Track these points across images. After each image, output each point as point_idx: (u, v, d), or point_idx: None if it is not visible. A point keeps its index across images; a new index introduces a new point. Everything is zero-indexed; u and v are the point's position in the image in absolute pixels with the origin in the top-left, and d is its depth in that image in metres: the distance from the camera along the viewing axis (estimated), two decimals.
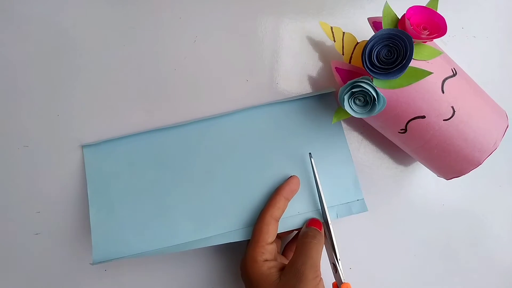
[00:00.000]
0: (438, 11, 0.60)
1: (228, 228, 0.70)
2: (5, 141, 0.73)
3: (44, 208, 0.72)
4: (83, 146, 0.72)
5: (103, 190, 0.71)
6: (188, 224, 0.70)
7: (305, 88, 0.78)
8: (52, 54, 0.74)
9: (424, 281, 0.79)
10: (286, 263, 0.63)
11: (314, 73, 0.78)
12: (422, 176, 0.80)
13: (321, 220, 0.70)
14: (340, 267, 0.66)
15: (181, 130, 0.73)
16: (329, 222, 0.68)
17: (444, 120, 0.61)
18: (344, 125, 0.77)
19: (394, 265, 0.79)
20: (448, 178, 0.69)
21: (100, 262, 0.67)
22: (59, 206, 0.73)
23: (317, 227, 0.68)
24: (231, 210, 0.71)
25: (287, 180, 0.70)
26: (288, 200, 0.69)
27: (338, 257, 0.67)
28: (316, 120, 0.75)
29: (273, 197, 0.68)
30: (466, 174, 0.65)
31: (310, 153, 0.71)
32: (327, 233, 0.69)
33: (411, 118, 0.62)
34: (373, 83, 0.61)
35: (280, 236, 0.73)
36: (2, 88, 0.73)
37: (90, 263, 0.66)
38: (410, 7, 0.60)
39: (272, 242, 0.64)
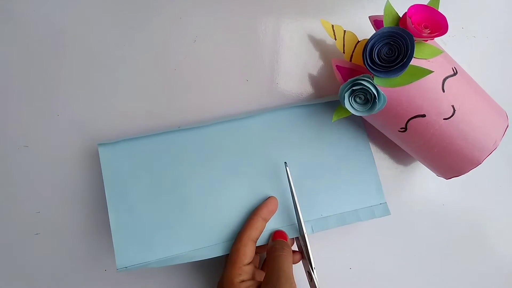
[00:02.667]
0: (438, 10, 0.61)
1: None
2: (5, 141, 0.72)
3: (44, 208, 0.72)
4: (99, 145, 0.69)
5: (122, 192, 0.69)
6: (213, 226, 0.70)
7: (306, 88, 0.78)
8: (52, 54, 0.74)
9: (424, 281, 0.79)
10: None
11: (314, 73, 0.78)
12: (422, 176, 0.80)
13: (299, 233, 0.70)
14: (315, 276, 0.66)
15: (197, 132, 0.72)
16: (305, 233, 0.68)
17: (444, 119, 0.61)
18: (344, 124, 0.76)
19: (394, 265, 0.79)
20: (447, 177, 0.69)
21: (124, 268, 0.65)
22: (59, 206, 0.72)
23: (282, 238, 0.68)
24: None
25: (266, 200, 0.70)
26: (266, 221, 0.68)
27: (313, 266, 0.67)
28: (336, 123, 0.75)
29: (251, 218, 0.68)
30: (465, 174, 0.65)
31: (285, 162, 0.70)
32: (302, 244, 0.69)
33: (412, 116, 0.62)
34: (374, 81, 0.61)
35: (257, 252, 0.72)
36: (2, 88, 0.73)
37: (116, 269, 0.65)
38: (411, 6, 0.60)
39: (249, 263, 0.64)
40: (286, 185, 0.71)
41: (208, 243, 0.68)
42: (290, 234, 0.70)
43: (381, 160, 0.79)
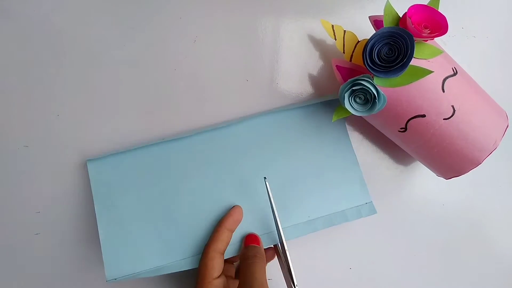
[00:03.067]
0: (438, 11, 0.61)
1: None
2: (5, 141, 0.72)
3: (44, 208, 0.72)
4: (88, 161, 0.71)
5: (111, 205, 0.70)
6: (201, 236, 0.70)
7: (306, 88, 0.78)
8: (52, 54, 0.74)
9: (424, 281, 0.79)
10: None
11: (314, 73, 0.78)
12: (422, 176, 0.80)
13: (279, 242, 0.69)
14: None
15: (185, 142, 0.73)
16: (285, 244, 0.67)
17: (444, 119, 0.61)
18: (326, 127, 0.76)
19: (394, 265, 0.79)
20: (447, 177, 0.69)
21: (113, 280, 0.66)
22: (59, 206, 0.72)
23: (254, 243, 0.68)
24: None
25: (230, 210, 0.69)
26: (231, 231, 0.68)
27: (295, 283, 0.65)
28: (319, 126, 0.76)
29: (216, 230, 0.67)
30: (465, 174, 0.65)
31: (265, 177, 0.70)
32: (282, 257, 0.68)
33: (412, 116, 0.62)
34: (374, 81, 0.61)
35: (232, 261, 0.72)
36: (2, 88, 0.73)
37: (106, 281, 0.66)
38: (411, 6, 0.60)
39: (219, 276, 0.63)
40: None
41: (196, 252, 0.69)
42: (270, 242, 0.71)
43: (381, 160, 0.79)
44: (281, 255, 0.68)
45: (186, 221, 0.70)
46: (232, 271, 0.71)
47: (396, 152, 0.79)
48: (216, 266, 0.63)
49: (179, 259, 0.68)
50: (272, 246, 0.71)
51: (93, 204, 0.69)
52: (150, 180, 0.71)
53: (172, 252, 0.68)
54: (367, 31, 0.70)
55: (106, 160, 0.71)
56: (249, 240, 0.68)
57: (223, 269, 0.66)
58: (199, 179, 0.72)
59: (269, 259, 0.72)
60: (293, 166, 0.74)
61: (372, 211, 0.74)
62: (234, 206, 0.70)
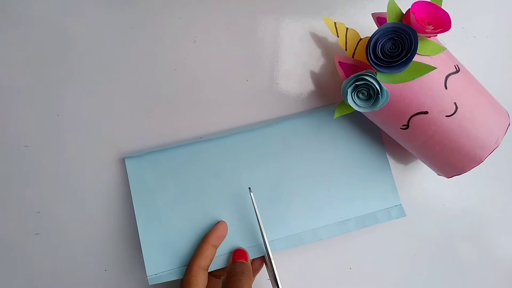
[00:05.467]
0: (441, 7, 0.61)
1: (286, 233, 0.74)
2: (5, 141, 0.72)
3: (44, 208, 0.72)
4: (125, 158, 0.72)
5: (149, 202, 0.71)
6: (241, 235, 0.72)
7: (306, 88, 0.78)
8: (52, 54, 0.74)
9: (424, 280, 0.79)
10: None
11: (315, 72, 0.78)
12: (422, 176, 0.80)
13: (266, 252, 0.70)
14: None
15: (218, 142, 0.74)
16: (271, 256, 0.68)
17: (446, 116, 0.61)
18: (359, 130, 0.77)
19: (394, 265, 0.78)
20: (449, 176, 0.69)
21: (154, 275, 0.68)
22: (59, 206, 0.72)
23: (242, 259, 0.68)
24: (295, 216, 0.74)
25: (214, 226, 0.70)
26: (216, 247, 0.68)
27: None
28: (351, 128, 0.77)
29: (200, 246, 0.68)
30: (467, 172, 0.65)
31: (249, 188, 0.71)
32: (269, 267, 0.69)
33: (414, 113, 0.62)
34: (377, 77, 0.61)
35: (220, 275, 0.72)
36: (2, 88, 0.73)
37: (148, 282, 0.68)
38: (415, 2, 0.60)
39: None
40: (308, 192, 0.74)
41: (231, 250, 0.71)
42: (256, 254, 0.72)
43: None
44: (269, 265, 0.69)
45: (221, 218, 0.72)
46: (218, 286, 0.71)
47: (396, 152, 0.79)
48: (199, 282, 0.64)
49: (216, 255, 0.70)
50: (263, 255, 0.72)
51: (93, 202, 0.71)
52: (185, 177, 0.73)
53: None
54: (368, 30, 0.70)
55: (144, 157, 0.73)
56: (237, 255, 0.69)
57: (210, 284, 0.67)
58: (233, 179, 0.74)
59: (256, 270, 0.73)
60: (325, 168, 0.76)
61: (402, 213, 0.76)
62: (218, 221, 0.71)
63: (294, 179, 0.74)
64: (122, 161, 0.73)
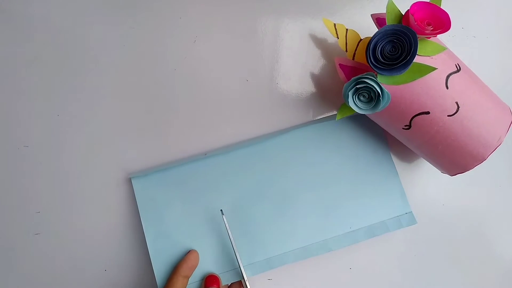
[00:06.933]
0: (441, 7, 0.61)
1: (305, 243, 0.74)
2: (5, 141, 0.72)
3: (44, 208, 0.72)
4: (132, 178, 0.72)
5: (157, 219, 0.72)
6: (250, 248, 0.72)
7: (306, 88, 0.78)
8: (52, 54, 0.74)
9: (424, 281, 0.79)
10: None
11: (314, 72, 0.78)
12: (422, 176, 0.80)
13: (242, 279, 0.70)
14: None
15: (224, 158, 0.74)
16: (245, 279, 0.68)
17: (448, 115, 0.61)
18: (363, 137, 0.77)
19: (393, 265, 0.78)
20: (452, 174, 0.69)
21: None
22: (59, 206, 0.72)
23: (214, 285, 0.68)
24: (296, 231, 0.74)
25: (185, 256, 0.69)
26: (187, 277, 0.68)
27: None
28: (355, 136, 0.77)
29: (170, 277, 0.67)
30: (470, 170, 0.65)
31: (221, 210, 0.71)
32: None
33: (416, 114, 0.62)
34: (378, 79, 0.61)
35: None
36: (2, 88, 0.73)
37: None
38: (414, 3, 0.60)
39: None
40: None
41: (236, 266, 0.71)
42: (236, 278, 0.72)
43: None
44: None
45: (225, 235, 0.72)
46: None
47: (396, 152, 0.79)
48: None
49: (225, 270, 0.71)
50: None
51: (92, 202, 0.71)
52: (193, 194, 0.73)
53: (217, 264, 0.71)
54: (368, 31, 0.70)
55: (150, 176, 0.73)
56: (209, 282, 0.68)
57: None
58: (239, 193, 0.74)
59: None
60: (331, 178, 0.76)
61: (412, 221, 0.76)
62: (189, 251, 0.71)
63: (300, 191, 0.74)
64: (122, 161, 0.73)
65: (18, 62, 0.73)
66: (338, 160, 0.76)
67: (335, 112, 0.78)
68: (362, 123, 0.76)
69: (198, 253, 0.70)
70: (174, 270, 0.67)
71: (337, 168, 0.75)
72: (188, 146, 0.75)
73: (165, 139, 0.75)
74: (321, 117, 0.78)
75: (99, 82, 0.74)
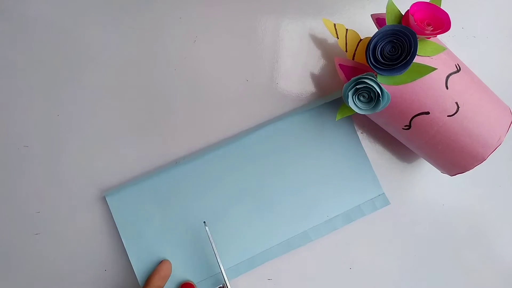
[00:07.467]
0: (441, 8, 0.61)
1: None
2: (5, 141, 0.72)
3: (44, 208, 0.72)
4: (106, 195, 0.72)
5: (137, 234, 0.72)
6: (233, 250, 0.73)
7: (306, 88, 0.78)
8: (52, 54, 0.74)
9: (424, 281, 0.79)
10: None
11: (314, 72, 0.78)
12: (422, 176, 0.80)
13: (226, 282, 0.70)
14: None
15: (194, 164, 0.74)
16: (228, 285, 0.68)
17: (448, 116, 0.61)
18: (334, 128, 0.77)
19: (394, 265, 0.78)
20: (452, 174, 0.69)
21: None
22: (59, 206, 0.72)
23: None
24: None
25: (157, 266, 0.69)
26: (161, 287, 0.67)
27: None
28: (324, 127, 0.77)
29: None
30: (470, 170, 0.65)
31: (204, 222, 0.71)
32: None
33: (416, 114, 0.62)
34: (377, 79, 0.61)
35: None
36: (2, 88, 0.73)
37: None
38: (413, 3, 0.60)
39: None
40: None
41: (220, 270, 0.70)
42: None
43: (380, 160, 0.79)
44: None
45: (206, 241, 0.72)
46: None
47: (396, 152, 0.79)
48: None
49: (208, 276, 0.72)
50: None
51: (92, 202, 0.72)
52: (169, 203, 0.73)
53: (201, 271, 0.72)
54: (368, 31, 0.70)
55: (124, 191, 0.73)
56: None
57: None
58: (215, 198, 0.74)
59: None
60: (307, 169, 0.76)
61: (386, 202, 0.77)
62: (161, 261, 0.71)
63: (276, 186, 0.75)
64: (122, 161, 0.73)
65: (18, 62, 0.73)
66: (311, 152, 0.76)
67: (304, 102, 0.78)
68: (330, 114, 0.77)
69: (170, 262, 0.70)
70: (147, 281, 0.67)
71: (310, 160, 0.76)
72: (188, 146, 0.75)
73: (165, 139, 0.75)
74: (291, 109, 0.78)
75: (98, 82, 0.74)
